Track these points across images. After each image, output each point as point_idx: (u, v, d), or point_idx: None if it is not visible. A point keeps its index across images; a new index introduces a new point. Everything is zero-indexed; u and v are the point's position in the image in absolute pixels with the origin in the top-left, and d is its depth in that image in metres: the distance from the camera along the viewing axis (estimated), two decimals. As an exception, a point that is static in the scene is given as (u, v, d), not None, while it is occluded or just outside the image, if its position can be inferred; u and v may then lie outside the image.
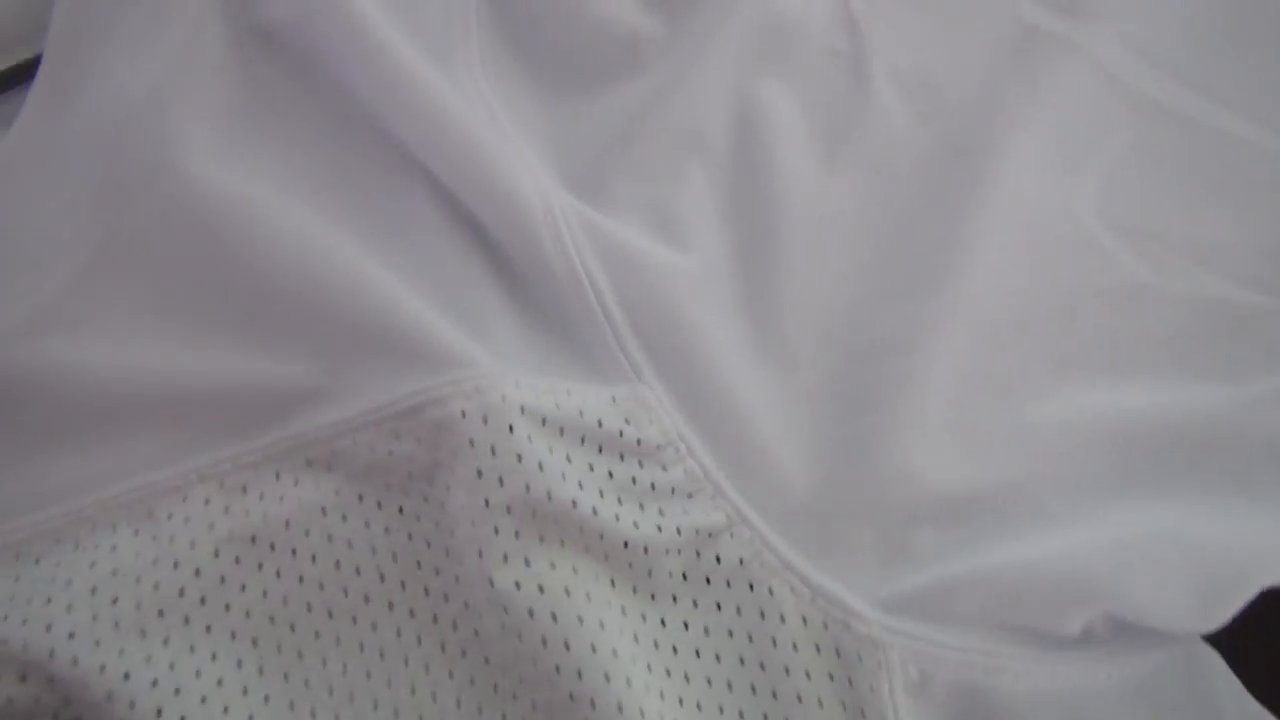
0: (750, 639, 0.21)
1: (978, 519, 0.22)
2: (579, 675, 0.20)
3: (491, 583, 0.21)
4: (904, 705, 0.21)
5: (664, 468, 0.22)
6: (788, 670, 0.21)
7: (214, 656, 0.21)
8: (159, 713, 0.20)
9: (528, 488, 0.21)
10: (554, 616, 0.20)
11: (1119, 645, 0.21)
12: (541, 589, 0.21)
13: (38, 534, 0.22)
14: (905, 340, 0.24)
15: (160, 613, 0.21)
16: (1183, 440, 0.22)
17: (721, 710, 0.21)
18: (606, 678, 0.20)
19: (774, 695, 0.21)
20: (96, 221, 0.25)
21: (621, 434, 0.22)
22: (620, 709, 0.20)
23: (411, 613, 0.22)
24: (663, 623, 0.21)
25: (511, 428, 0.21)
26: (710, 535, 0.22)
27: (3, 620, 0.21)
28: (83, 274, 0.25)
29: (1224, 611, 0.20)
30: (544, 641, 0.20)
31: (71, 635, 0.21)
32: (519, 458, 0.21)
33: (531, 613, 0.20)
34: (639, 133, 0.26)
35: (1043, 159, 0.26)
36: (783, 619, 0.21)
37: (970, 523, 0.22)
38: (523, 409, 0.22)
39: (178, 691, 0.21)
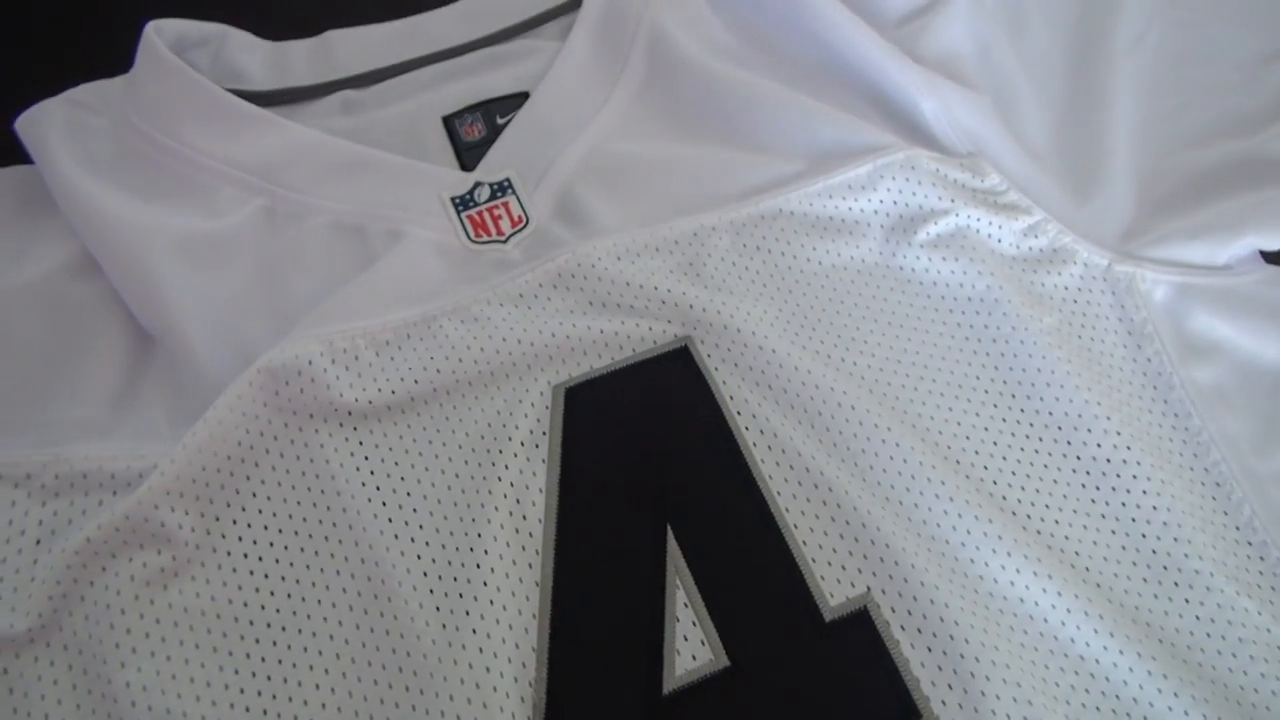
0: (1069, 275, 0.41)
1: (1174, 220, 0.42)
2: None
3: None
4: (1146, 299, 0.40)
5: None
6: (1079, 289, 0.40)
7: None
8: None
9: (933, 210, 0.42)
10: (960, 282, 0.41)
11: (1252, 265, 0.41)
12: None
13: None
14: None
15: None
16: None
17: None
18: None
19: (1074, 301, 0.40)
20: None
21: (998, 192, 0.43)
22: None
23: None
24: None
25: (933, 166, 0.41)
26: (1050, 235, 0.42)
27: None
28: None
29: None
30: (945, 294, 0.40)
31: None
32: (933, 186, 0.41)
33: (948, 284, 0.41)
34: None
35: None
36: (1085, 265, 0.41)
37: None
38: (935, 165, 0.42)
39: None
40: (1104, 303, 0.40)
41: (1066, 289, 0.41)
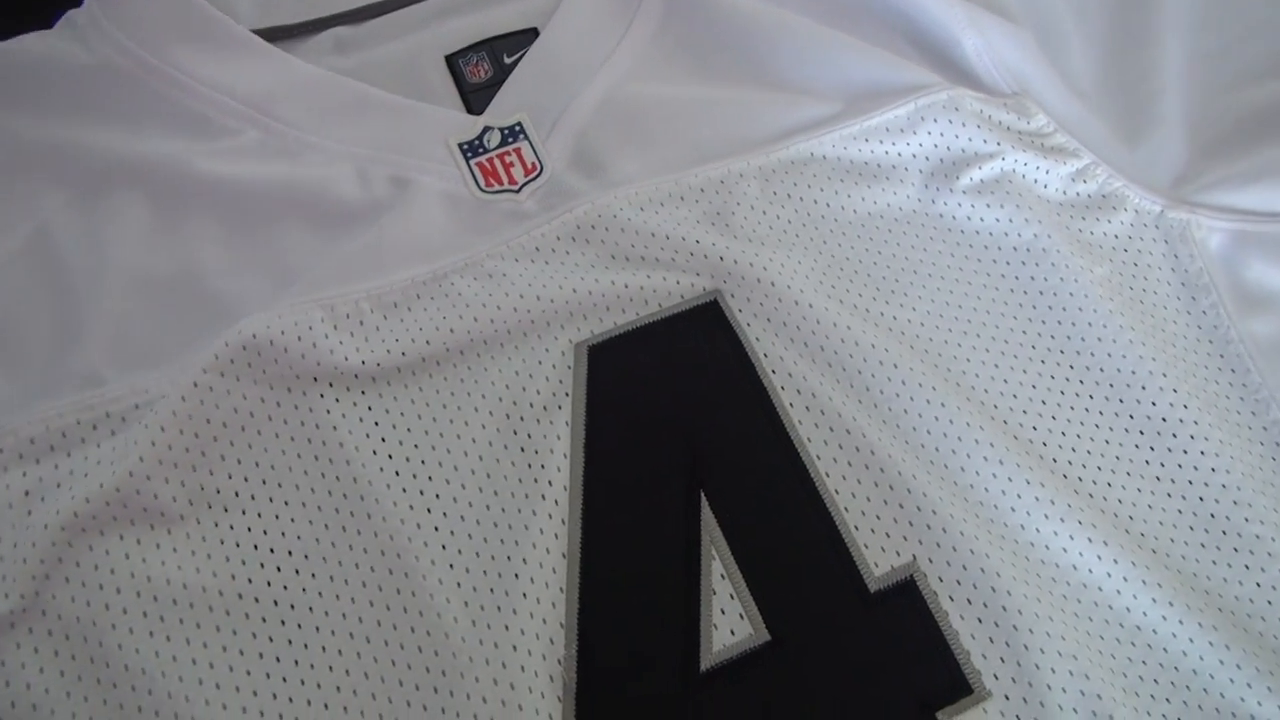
0: (1120, 223, 0.39)
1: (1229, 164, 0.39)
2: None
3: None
4: (1201, 248, 0.38)
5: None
6: (1131, 238, 0.38)
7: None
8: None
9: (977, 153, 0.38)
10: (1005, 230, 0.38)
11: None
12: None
13: None
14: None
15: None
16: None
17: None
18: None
19: (1125, 250, 0.38)
20: None
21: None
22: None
23: None
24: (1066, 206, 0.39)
25: (977, 106, 0.38)
26: (1100, 180, 0.39)
27: None
28: None
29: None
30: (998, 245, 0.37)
31: None
32: (977, 128, 0.38)
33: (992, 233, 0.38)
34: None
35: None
36: (1137, 212, 0.38)
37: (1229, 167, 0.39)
38: (979, 105, 0.39)
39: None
40: (1157, 252, 0.38)
41: (1117, 237, 0.38)
